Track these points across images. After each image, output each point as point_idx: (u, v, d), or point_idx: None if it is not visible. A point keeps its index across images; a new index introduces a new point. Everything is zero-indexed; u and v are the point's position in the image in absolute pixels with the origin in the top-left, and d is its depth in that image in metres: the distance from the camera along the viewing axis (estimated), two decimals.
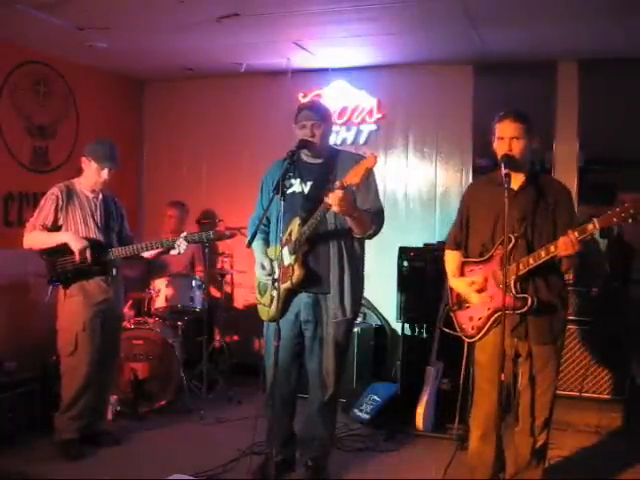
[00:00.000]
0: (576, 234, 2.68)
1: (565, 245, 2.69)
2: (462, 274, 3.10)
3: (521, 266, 2.80)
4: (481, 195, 3.09)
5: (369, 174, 3.01)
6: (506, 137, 2.88)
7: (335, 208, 2.97)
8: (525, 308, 2.81)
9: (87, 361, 3.68)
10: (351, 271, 3.22)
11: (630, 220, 2.57)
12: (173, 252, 3.85)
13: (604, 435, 4.16)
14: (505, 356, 2.84)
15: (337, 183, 2.94)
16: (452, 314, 3.15)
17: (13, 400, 3.99)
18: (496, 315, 2.91)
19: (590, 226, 2.66)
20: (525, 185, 2.93)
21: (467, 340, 3.11)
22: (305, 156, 3.29)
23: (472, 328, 3.03)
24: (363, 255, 3.36)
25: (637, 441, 4.06)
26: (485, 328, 2.97)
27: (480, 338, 3.00)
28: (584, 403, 4.27)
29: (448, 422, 4.10)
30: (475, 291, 2.98)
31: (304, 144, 3.18)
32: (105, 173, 3.73)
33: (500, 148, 2.90)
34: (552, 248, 2.74)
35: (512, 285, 2.82)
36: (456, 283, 3.11)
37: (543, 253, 2.77)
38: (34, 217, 3.72)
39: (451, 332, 3.18)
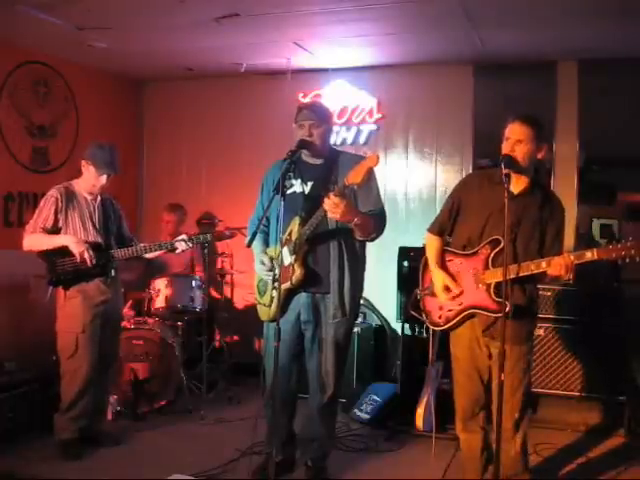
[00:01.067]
0: (572, 258, 2.69)
1: (559, 266, 2.70)
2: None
3: (508, 273, 2.76)
4: (477, 189, 3.06)
5: (370, 174, 3.00)
6: (512, 138, 2.88)
7: (330, 215, 2.97)
8: (501, 313, 2.77)
9: (88, 362, 3.68)
10: (351, 271, 3.21)
11: (627, 259, 2.59)
12: (177, 251, 3.91)
13: (603, 435, 4.15)
14: (480, 353, 2.92)
15: (337, 187, 2.95)
16: (420, 298, 3.16)
17: (13, 400, 3.99)
18: (468, 311, 2.95)
19: (589, 254, 2.67)
20: (525, 192, 2.92)
21: (431, 327, 3.15)
22: (305, 156, 3.28)
23: (440, 317, 3.05)
24: (364, 255, 3.35)
25: (637, 441, 4.06)
26: (454, 321, 2.99)
27: (447, 329, 3.03)
28: (583, 403, 4.27)
29: (448, 422, 4.10)
30: (448, 297, 2.99)
31: (304, 144, 3.18)
32: (103, 179, 3.72)
33: (504, 148, 2.90)
34: (544, 264, 2.75)
35: (492, 287, 2.84)
36: (435, 275, 3.09)
37: (533, 267, 2.77)
38: (34, 219, 3.70)
39: (417, 316, 3.21)
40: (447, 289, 3.00)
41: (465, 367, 3.03)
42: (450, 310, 3.00)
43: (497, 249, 2.86)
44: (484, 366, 2.98)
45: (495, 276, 2.82)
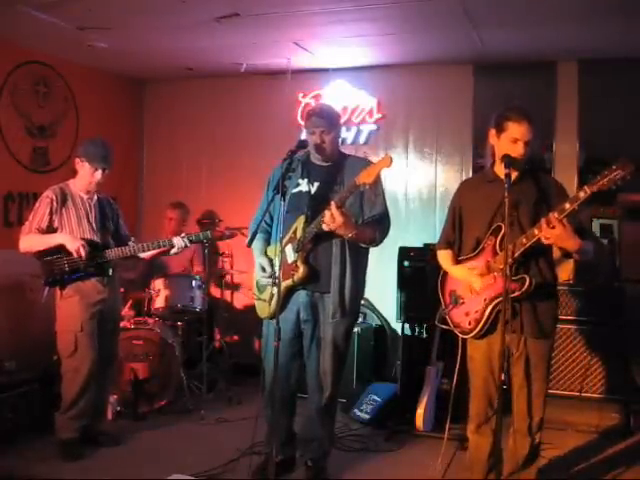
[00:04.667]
0: (556, 214, 2.65)
1: (544, 226, 2.66)
2: None
3: (512, 247, 2.75)
4: (475, 193, 3.06)
5: (380, 177, 3.02)
6: (522, 140, 2.84)
7: (325, 226, 2.99)
8: (523, 288, 2.75)
9: (88, 361, 3.68)
10: (352, 271, 3.21)
11: (620, 183, 2.55)
12: (173, 251, 3.86)
13: (604, 435, 4.16)
14: (498, 354, 2.81)
15: (335, 201, 2.95)
16: (446, 315, 3.11)
17: (13, 400, 3.99)
18: (493, 304, 2.88)
19: (581, 193, 2.62)
20: (517, 179, 2.91)
21: (464, 337, 3.04)
22: (315, 159, 3.32)
23: (469, 323, 2.98)
24: (366, 255, 3.36)
25: (637, 441, 4.06)
26: (483, 320, 2.92)
27: (479, 331, 2.94)
28: (584, 403, 4.27)
29: (448, 422, 4.09)
30: (477, 275, 2.94)
31: (304, 144, 3.20)
32: (98, 174, 3.72)
33: (514, 149, 2.85)
34: (535, 231, 2.73)
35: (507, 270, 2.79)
36: (456, 271, 3.07)
37: (536, 231, 2.74)
38: (29, 221, 3.71)
39: (447, 328, 3.14)
40: (473, 268, 2.95)
41: (481, 370, 2.99)
42: (476, 311, 2.95)
43: (501, 234, 2.85)
44: (499, 369, 2.91)
45: (505, 258, 2.76)
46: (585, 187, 2.62)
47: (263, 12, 4.14)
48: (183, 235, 3.83)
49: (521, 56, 4.90)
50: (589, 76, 4.93)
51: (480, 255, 2.96)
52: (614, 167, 2.55)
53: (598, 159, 4.97)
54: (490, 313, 2.91)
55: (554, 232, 2.67)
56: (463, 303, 3.03)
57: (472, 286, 2.97)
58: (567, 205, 2.66)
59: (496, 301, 2.88)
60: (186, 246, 3.85)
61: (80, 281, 3.69)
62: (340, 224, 2.97)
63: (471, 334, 2.98)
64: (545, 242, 2.74)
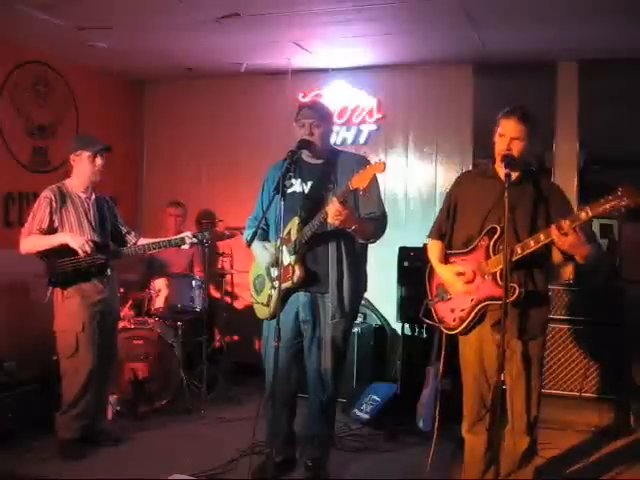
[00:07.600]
0: (567, 222, 2.62)
1: (556, 234, 2.63)
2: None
3: (510, 252, 2.72)
4: (471, 187, 3.05)
5: (375, 179, 3.01)
6: (507, 135, 2.84)
7: (330, 221, 2.97)
8: (512, 298, 2.74)
9: (88, 361, 3.68)
10: (350, 271, 3.21)
11: (622, 210, 2.50)
12: (184, 247, 3.94)
13: (603, 435, 4.15)
14: (489, 353, 2.86)
15: (340, 192, 2.95)
16: (431, 307, 3.11)
17: (13, 400, 3.99)
18: (480, 306, 2.89)
19: (583, 214, 2.59)
20: (517, 181, 2.90)
21: (448, 332, 3.04)
22: (306, 156, 3.29)
23: (454, 320, 2.98)
24: (364, 255, 3.35)
25: (637, 441, 4.07)
26: (468, 319, 2.92)
27: (463, 330, 2.96)
28: (584, 403, 4.27)
29: (448, 422, 4.09)
30: (463, 282, 2.93)
31: (304, 144, 3.18)
32: (99, 160, 3.72)
33: (499, 145, 2.87)
34: (542, 237, 2.70)
35: (498, 275, 2.79)
36: (442, 270, 3.04)
37: (532, 243, 2.72)
38: (29, 222, 3.69)
39: (431, 323, 3.14)
40: (459, 274, 2.94)
41: (473, 368, 3.00)
42: (462, 309, 2.95)
43: (495, 237, 2.84)
44: (492, 368, 2.91)
45: (498, 263, 2.77)
46: (587, 208, 2.58)
47: (263, 12, 4.14)
48: (189, 234, 3.91)
49: (521, 56, 4.90)
50: (589, 77, 4.93)
51: (472, 254, 2.95)
52: (619, 194, 2.48)
53: (598, 159, 4.99)
54: (476, 314, 2.92)
55: (567, 240, 2.63)
56: (450, 299, 3.02)
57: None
58: (569, 222, 2.60)
59: (483, 304, 2.89)
60: (196, 240, 3.93)
61: (82, 281, 3.70)
62: (344, 217, 2.95)
63: (454, 331, 3.00)
64: (559, 248, 2.72)
